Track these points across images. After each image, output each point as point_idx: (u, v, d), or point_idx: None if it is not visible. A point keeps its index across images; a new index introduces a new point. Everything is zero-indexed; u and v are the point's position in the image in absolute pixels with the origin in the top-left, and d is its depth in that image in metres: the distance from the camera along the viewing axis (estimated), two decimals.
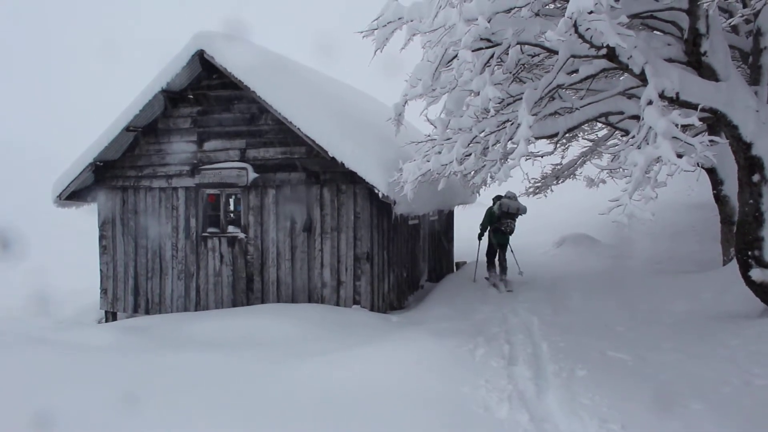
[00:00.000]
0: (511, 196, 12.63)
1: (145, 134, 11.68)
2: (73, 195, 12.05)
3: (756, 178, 7.49)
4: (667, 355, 6.68)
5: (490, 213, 12.76)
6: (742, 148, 7.48)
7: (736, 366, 5.98)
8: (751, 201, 7.56)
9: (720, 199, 10.46)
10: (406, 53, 7.63)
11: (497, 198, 12.97)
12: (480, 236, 13.13)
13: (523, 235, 15.37)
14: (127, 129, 11.24)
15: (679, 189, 21.43)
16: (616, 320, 8.76)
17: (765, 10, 7.71)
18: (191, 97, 11.30)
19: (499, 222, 12.56)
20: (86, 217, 13.67)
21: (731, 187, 9.96)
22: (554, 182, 16.15)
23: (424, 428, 4.83)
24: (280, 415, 5.07)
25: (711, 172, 10.43)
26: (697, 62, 7.43)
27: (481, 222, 13.10)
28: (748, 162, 7.52)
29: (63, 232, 21.23)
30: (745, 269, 7.66)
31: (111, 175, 12.00)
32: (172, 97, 11.23)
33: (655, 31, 8.81)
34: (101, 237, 12.24)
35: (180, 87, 11.16)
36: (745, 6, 7.75)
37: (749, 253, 7.58)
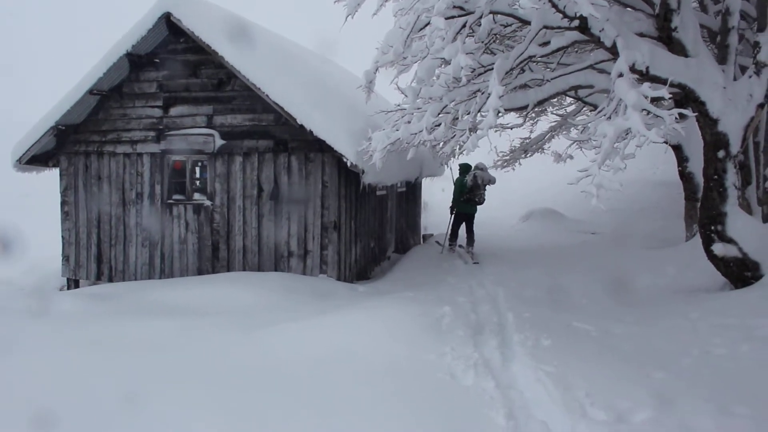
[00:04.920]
0: (483, 168, 12.73)
1: (109, 98, 11.39)
2: (34, 159, 11.74)
3: (721, 154, 7.57)
4: (631, 327, 6.78)
5: (461, 184, 12.81)
6: (708, 124, 7.55)
7: (697, 337, 6.09)
8: (715, 177, 7.66)
9: (685, 175, 10.60)
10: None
11: (464, 167, 13.02)
12: (452, 208, 13.18)
13: (490, 209, 15.45)
14: (90, 92, 10.93)
15: (645, 167, 21.75)
16: (581, 293, 8.86)
17: None
18: (157, 61, 11.05)
19: (472, 193, 12.64)
20: (47, 182, 13.39)
21: (696, 164, 10.10)
22: (522, 156, 16.23)
23: (389, 395, 4.83)
24: (245, 382, 5.04)
25: (677, 149, 10.56)
26: (667, 37, 7.46)
27: (452, 193, 13.15)
28: (714, 138, 7.59)
29: (23, 197, 20.77)
30: (707, 244, 7.78)
31: (74, 139, 11.72)
32: (137, 61, 10.97)
33: (627, 8, 8.82)
34: (63, 203, 11.97)
35: (146, 50, 10.88)
36: None
37: (712, 227, 7.69)
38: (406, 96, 8.17)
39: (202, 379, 5.07)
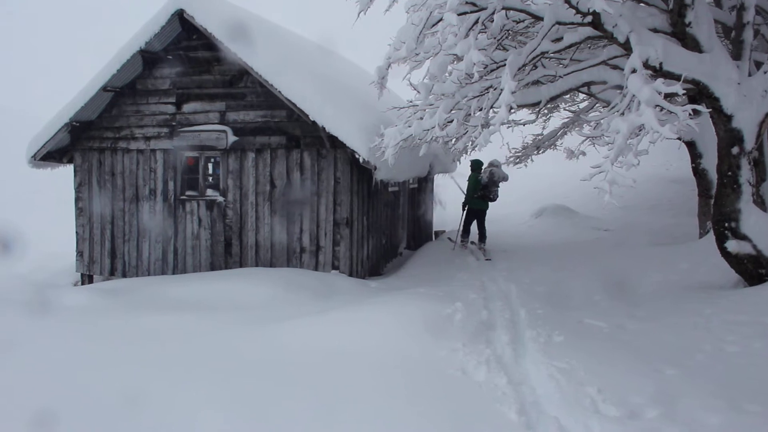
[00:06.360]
0: (497, 164, 12.72)
1: (122, 95, 11.48)
2: (49, 155, 11.84)
3: (735, 150, 7.52)
4: (643, 323, 6.75)
5: (475, 180, 12.79)
6: (722, 120, 7.50)
7: (709, 334, 6.06)
8: (729, 173, 7.61)
9: (698, 172, 10.55)
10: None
11: (476, 164, 13.00)
12: (465, 204, 13.17)
13: (502, 206, 15.44)
14: (104, 89, 11.03)
15: (658, 163, 21.67)
16: (594, 289, 8.83)
17: None
18: (170, 57, 11.11)
19: (486, 190, 12.63)
20: (61, 179, 13.48)
21: (710, 161, 10.05)
22: (535, 152, 16.17)
23: (400, 390, 4.84)
24: (254, 376, 5.06)
25: (690, 145, 10.51)
26: (681, 33, 7.41)
27: (466, 189, 13.14)
28: (728, 134, 7.55)
29: (34, 194, 20.94)
30: (721, 241, 7.73)
31: (88, 135, 11.81)
32: (150, 58, 11.03)
33: (640, 4, 8.78)
34: (77, 199, 12.06)
35: (159, 47, 10.96)
36: None
37: (726, 224, 7.64)
38: (418, 92, 8.16)
39: (211, 373, 5.08)
